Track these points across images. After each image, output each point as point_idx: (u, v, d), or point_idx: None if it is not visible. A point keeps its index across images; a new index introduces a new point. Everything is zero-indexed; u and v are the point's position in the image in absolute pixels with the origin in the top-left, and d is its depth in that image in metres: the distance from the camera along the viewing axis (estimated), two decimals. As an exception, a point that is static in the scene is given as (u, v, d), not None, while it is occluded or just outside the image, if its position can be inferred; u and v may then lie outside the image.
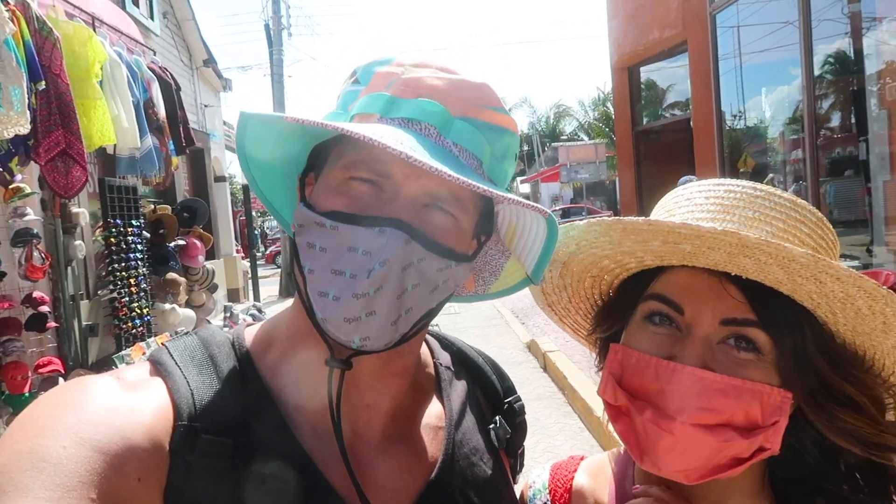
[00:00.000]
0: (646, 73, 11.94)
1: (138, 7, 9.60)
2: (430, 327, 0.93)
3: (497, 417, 1.01)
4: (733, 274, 0.84)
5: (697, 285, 0.88)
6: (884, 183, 6.52)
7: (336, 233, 0.77)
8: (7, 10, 3.31)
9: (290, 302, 0.92)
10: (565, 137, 41.71)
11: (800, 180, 7.82)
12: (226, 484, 0.74)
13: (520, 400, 1.07)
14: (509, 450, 1.02)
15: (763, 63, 8.89)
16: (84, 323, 6.41)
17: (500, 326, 10.57)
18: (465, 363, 1.06)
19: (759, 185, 0.91)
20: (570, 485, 1.08)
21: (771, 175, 8.68)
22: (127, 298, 6.72)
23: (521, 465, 1.07)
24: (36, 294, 5.57)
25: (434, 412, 0.94)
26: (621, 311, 0.98)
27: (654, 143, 12.15)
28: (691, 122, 9.91)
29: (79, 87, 4.24)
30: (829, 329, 0.87)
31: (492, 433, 0.98)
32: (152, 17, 10.32)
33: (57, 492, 0.63)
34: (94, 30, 4.88)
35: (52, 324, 5.65)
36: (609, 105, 30.64)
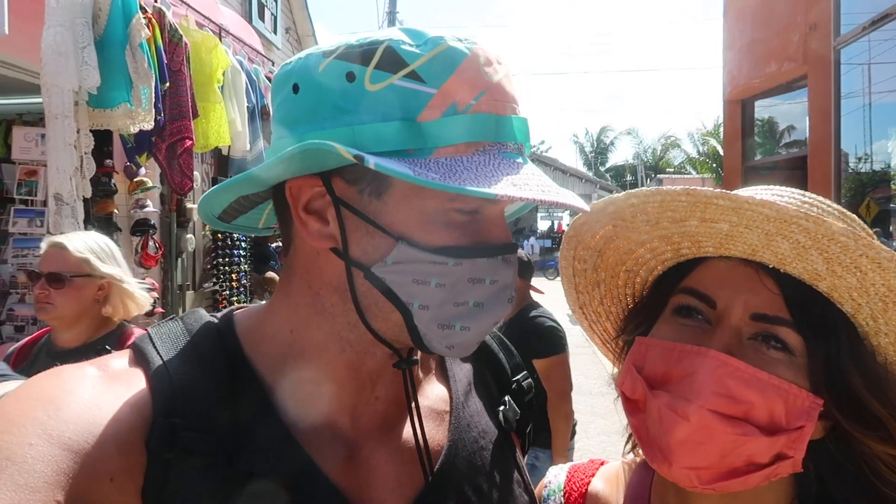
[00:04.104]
0: (760, 107, 11.45)
1: (263, 21, 10.21)
2: None
3: (506, 398, 0.96)
4: (771, 267, 0.81)
5: (732, 277, 0.85)
6: None
7: (459, 268, 0.73)
8: (144, 18, 3.63)
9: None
10: (671, 170, 40.49)
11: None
12: (210, 482, 0.68)
13: (528, 377, 1.02)
14: (518, 430, 0.97)
15: (893, 103, 8.32)
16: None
17: (587, 355, 10.33)
18: None
19: (808, 194, 0.87)
20: (586, 489, 1.06)
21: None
22: (227, 292, 7.10)
23: (529, 444, 1.03)
24: (148, 280, 5.98)
25: (439, 395, 0.90)
26: (652, 309, 0.95)
27: (764, 180, 11.59)
28: (807, 161, 9.39)
29: (201, 90, 4.56)
30: (871, 343, 0.82)
31: (501, 415, 0.93)
32: (275, 32, 10.95)
33: (21, 493, 0.58)
34: (221, 39, 5.25)
35: (159, 309, 6.05)
36: (714, 140, 29.54)
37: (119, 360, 0.76)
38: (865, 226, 0.86)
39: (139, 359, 0.75)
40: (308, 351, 0.80)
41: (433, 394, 0.90)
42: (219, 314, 0.85)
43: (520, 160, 0.74)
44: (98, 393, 0.69)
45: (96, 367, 0.73)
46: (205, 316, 0.83)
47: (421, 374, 0.90)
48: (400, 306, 0.73)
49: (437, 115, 0.69)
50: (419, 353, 0.82)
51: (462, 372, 0.94)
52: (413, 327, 0.73)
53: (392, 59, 0.70)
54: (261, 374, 0.78)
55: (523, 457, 0.99)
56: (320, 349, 0.79)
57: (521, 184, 0.69)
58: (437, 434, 0.86)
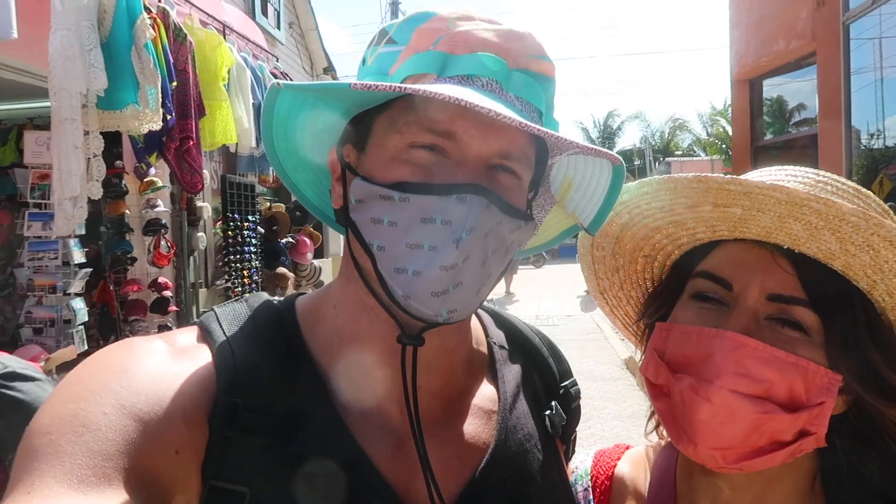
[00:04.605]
0: (769, 86, 11.33)
1: (266, 17, 10.22)
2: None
3: (553, 403, 0.96)
4: (785, 247, 0.82)
5: (747, 259, 0.86)
6: None
7: (407, 205, 0.73)
8: (149, 18, 3.65)
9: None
10: (680, 153, 40.20)
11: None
12: (265, 462, 0.71)
13: (576, 384, 1.02)
14: (563, 436, 0.97)
15: (904, 78, 8.20)
16: (202, 309, 6.88)
17: (598, 341, 10.34)
18: (521, 342, 1.00)
19: (823, 172, 0.88)
20: (612, 472, 1.07)
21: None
22: (240, 289, 7.15)
23: (573, 451, 1.04)
24: (161, 279, 6.05)
25: (487, 394, 0.90)
26: (670, 293, 0.96)
27: (774, 160, 11.49)
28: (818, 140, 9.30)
29: (207, 89, 4.58)
30: (889, 318, 0.82)
31: (547, 420, 0.93)
32: (279, 27, 10.95)
33: (94, 458, 0.61)
34: (225, 37, 5.25)
35: (173, 307, 6.11)
36: (723, 120, 29.28)
37: (187, 335, 0.79)
38: (882, 203, 0.87)
39: (205, 336, 0.79)
40: (348, 326, 0.82)
41: (481, 393, 0.90)
42: (282, 298, 0.88)
43: (475, 87, 0.74)
44: (167, 367, 0.72)
45: (165, 341, 0.77)
46: (268, 299, 0.87)
47: (465, 371, 0.90)
48: (366, 249, 0.75)
49: (400, 65, 0.78)
50: (435, 337, 0.79)
51: (511, 374, 0.94)
52: (379, 274, 0.74)
53: (380, 36, 0.83)
54: (316, 357, 0.81)
55: (566, 464, 0.99)
56: (354, 320, 0.82)
57: (454, 92, 0.66)
58: (483, 433, 0.85)
